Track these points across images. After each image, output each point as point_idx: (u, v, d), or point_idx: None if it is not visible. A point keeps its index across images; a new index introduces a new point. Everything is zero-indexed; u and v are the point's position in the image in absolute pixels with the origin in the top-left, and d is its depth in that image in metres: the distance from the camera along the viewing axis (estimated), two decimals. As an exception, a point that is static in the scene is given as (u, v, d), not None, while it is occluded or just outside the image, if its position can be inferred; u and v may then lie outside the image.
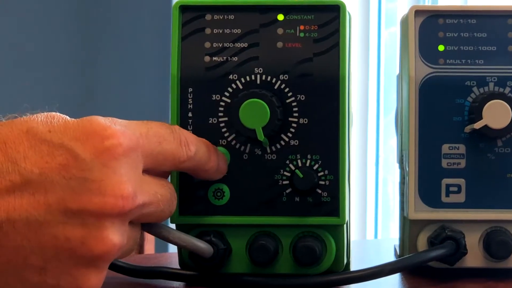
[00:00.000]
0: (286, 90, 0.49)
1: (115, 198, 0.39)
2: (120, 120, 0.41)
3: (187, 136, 0.45)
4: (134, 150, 0.40)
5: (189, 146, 0.45)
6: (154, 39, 1.97)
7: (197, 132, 0.49)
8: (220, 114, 0.49)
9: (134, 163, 0.41)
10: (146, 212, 0.42)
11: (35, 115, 0.40)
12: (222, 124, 0.49)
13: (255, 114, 0.47)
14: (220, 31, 0.49)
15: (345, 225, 0.50)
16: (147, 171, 0.43)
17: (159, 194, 0.43)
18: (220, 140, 0.49)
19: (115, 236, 0.39)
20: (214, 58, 0.49)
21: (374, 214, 2.00)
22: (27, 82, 1.85)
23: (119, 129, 0.40)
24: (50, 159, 0.39)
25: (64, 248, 0.38)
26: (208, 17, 0.50)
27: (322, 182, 0.48)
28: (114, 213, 0.39)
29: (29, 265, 0.38)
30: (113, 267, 0.51)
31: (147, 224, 0.45)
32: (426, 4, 1.84)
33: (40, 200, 0.38)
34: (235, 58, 0.49)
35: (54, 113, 0.41)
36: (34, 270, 0.38)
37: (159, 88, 1.95)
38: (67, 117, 0.41)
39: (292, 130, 0.49)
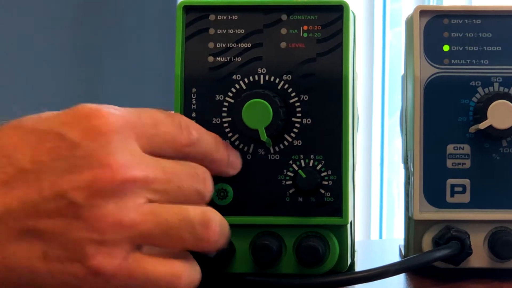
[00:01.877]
0: (290, 90, 0.49)
1: (103, 169, 0.38)
2: (111, 106, 0.41)
3: (189, 122, 0.44)
4: (123, 127, 0.40)
5: (190, 130, 0.43)
6: (158, 39, 1.98)
7: (200, 132, 0.49)
8: (224, 114, 0.49)
9: (125, 140, 0.40)
10: (160, 189, 0.40)
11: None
12: (225, 124, 0.49)
13: (258, 114, 0.47)
14: (224, 31, 0.49)
15: (349, 225, 0.50)
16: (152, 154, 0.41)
17: (170, 169, 0.41)
18: (224, 140, 0.49)
19: (105, 208, 0.38)
20: (217, 58, 0.49)
21: (379, 214, 2.00)
22: (30, 82, 1.86)
23: (107, 110, 0.40)
24: (40, 145, 0.39)
25: (61, 232, 0.38)
26: (212, 17, 0.50)
27: (325, 182, 0.48)
28: (105, 185, 0.38)
29: (32, 254, 0.38)
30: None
31: None
32: (431, 4, 1.84)
33: (34, 187, 0.38)
34: (239, 58, 0.49)
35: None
36: (39, 258, 0.38)
37: (163, 88, 1.95)
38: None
39: (296, 130, 0.49)
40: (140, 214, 0.39)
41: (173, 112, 0.44)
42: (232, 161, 0.47)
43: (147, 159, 0.40)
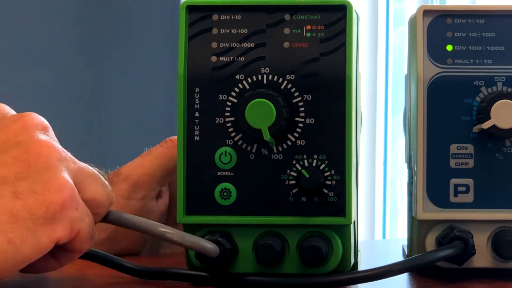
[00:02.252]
0: (293, 90, 0.49)
1: (30, 116, 0.43)
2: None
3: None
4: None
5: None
6: (161, 39, 1.98)
7: (204, 131, 0.49)
8: (227, 114, 0.49)
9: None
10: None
11: None
12: (228, 124, 0.49)
13: (261, 114, 0.47)
14: (227, 31, 0.49)
15: (352, 225, 0.50)
16: None
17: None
18: (227, 140, 0.49)
19: (47, 138, 0.43)
20: (221, 58, 0.49)
21: (382, 214, 2.00)
22: (33, 82, 1.86)
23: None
24: None
25: (17, 165, 0.41)
26: (215, 17, 0.50)
27: (329, 182, 0.48)
28: (36, 123, 0.43)
29: (3, 196, 0.40)
30: (120, 267, 0.51)
31: (149, 226, 0.45)
32: (434, 4, 1.83)
33: None
34: (242, 58, 0.49)
35: None
36: (11, 197, 0.40)
37: (166, 88, 1.95)
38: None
39: (299, 130, 0.49)
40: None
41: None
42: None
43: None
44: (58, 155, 0.43)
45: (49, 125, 0.44)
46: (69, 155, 0.44)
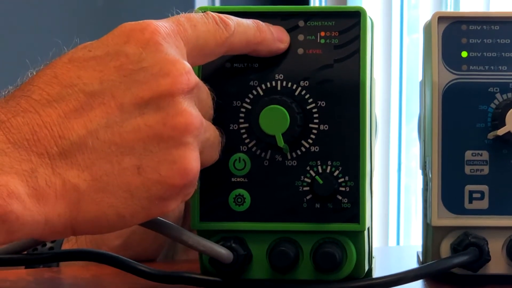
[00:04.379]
0: (307, 96, 0.49)
1: (180, 74, 0.40)
2: (149, 20, 0.42)
3: (223, 15, 0.45)
4: (173, 36, 0.42)
5: (226, 22, 0.45)
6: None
7: (218, 138, 0.49)
8: (241, 120, 0.49)
9: (178, 46, 0.42)
10: (203, 103, 0.43)
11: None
12: (242, 131, 0.49)
13: (275, 120, 0.47)
14: (241, 38, 0.49)
15: (366, 232, 0.50)
16: (192, 62, 0.43)
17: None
18: (241, 147, 0.49)
19: (191, 108, 0.40)
20: (235, 64, 0.49)
21: (396, 221, 1.99)
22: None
23: (153, 22, 0.42)
24: (103, 67, 0.39)
25: (149, 137, 0.39)
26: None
27: (343, 188, 0.48)
28: (183, 88, 0.40)
29: (125, 169, 0.39)
30: (134, 271, 0.51)
31: (167, 227, 0.45)
32: (448, 10, 1.83)
33: (111, 105, 0.39)
34: (256, 65, 0.49)
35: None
36: (132, 173, 0.39)
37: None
38: None
39: (313, 136, 0.49)
40: (198, 112, 0.42)
41: (208, 12, 0.45)
42: (278, 36, 0.48)
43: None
44: (195, 131, 0.41)
45: (195, 82, 0.42)
46: (204, 122, 0.42)
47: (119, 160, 0.39)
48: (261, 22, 0.47)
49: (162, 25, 0.42)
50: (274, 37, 0.47)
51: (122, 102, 0.39)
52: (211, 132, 0.45)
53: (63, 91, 0.39)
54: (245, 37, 0.46)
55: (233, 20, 0.45)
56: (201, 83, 0.43)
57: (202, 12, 0.45)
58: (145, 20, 0.42)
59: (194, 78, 0.41)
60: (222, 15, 0.45)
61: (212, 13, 0.45)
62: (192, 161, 0.40)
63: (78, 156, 0.38)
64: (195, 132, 0.41)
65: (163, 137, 0.39)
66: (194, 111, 0.41)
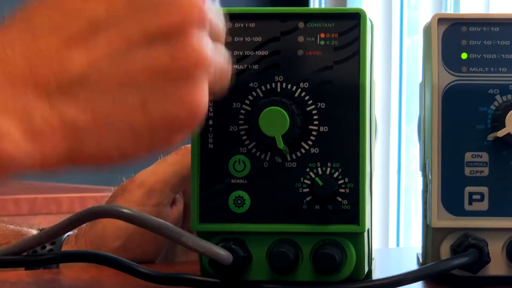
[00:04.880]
0: (307, 98, 0.49)
1: (191, 5, 0.37)
2: None
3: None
4: None
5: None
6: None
7: (217, 139, 0.49)
8: (241, 122, 0.49)
9: None
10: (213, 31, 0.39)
11: None
12: (242, 132, 0.49)
13: (275, 122, 0.47)
14: (241, 39, 0.50)
15: (366, 233, 0.50)
16: None
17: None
18: (241, 148, 0.49)
19: (201, 42, 0.37)
20: (234, 66, 0.49)
21: (396, 222, 1.99)
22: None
23: None
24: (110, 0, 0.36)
25: (156, 71, 0.36)
26: (229, 25, 0.50)
27: (342, 190, 0.48)
28: (194, 19, 0.37)
29: (128, 105, 0.36)
30: (134, 272, 0.51)
31: (166, 229, 0.45)
32: (448, 12, 1.83)
33: (117, 36, 0.36)
34: (256, 66, 0.49)
35: None
36: (136, 109, 0.36)
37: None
38: None
39: (313, 138, 0.49)
40: (209, 48, 0.38)
41: None
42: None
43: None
44: (204, 67, 0.38)
45: (207, 15, 0.38)
46: (215, 52, 0.39)
47: (121, 96, 0.36)
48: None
49: None
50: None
51: (128, 33, 0.36)
52: (221, 62, 0.41)
53: (63, 18, 0.35)
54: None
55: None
56: (214, 10, 0.40)
57: None
58: None
59: (206, 11, 0.38)
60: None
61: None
62: (200, 97, 0.38)
63: (78, 91, 0.35)
64: (204, 68, 0.38)
65: (170, 72, 0.36)
66: (204, 46, 0.37)
